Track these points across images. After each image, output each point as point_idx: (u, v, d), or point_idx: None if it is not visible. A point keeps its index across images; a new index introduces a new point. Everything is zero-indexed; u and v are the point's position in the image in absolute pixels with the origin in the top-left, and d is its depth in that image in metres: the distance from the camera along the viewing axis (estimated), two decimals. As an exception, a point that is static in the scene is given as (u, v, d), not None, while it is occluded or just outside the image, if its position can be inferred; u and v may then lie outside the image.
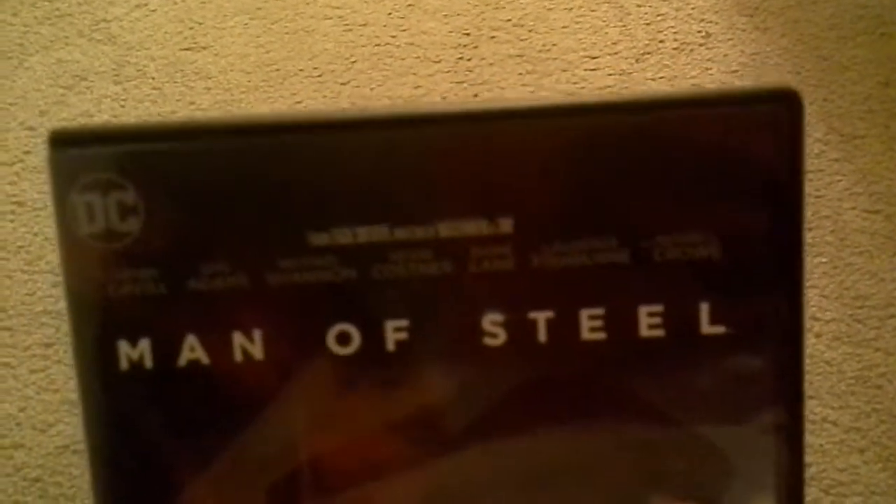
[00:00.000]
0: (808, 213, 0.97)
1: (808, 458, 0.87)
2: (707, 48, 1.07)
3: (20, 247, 0.97)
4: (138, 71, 1.07)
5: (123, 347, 0.23)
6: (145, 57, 1.08)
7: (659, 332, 0.23)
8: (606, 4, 1.10)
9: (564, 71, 1.05)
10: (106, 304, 0.23)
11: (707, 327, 0.23)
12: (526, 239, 0.23)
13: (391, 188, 0.23)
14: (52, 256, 0.96)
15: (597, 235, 0.23)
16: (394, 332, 0.23)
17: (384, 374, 0.23)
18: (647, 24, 1.08)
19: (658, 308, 0.23)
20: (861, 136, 1.01)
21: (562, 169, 0.23)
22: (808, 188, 0.98)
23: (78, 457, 0.87)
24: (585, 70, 1.05)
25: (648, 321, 0.23)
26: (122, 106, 1.04)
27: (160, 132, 0.23)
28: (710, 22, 1.09)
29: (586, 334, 0.23)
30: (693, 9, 1.09)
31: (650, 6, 1.10)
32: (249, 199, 0.23)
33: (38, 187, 1.00)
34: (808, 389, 0.90)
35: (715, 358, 0.23)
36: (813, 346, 0.91)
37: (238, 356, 0.23)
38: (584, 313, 0.23)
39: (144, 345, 0.23)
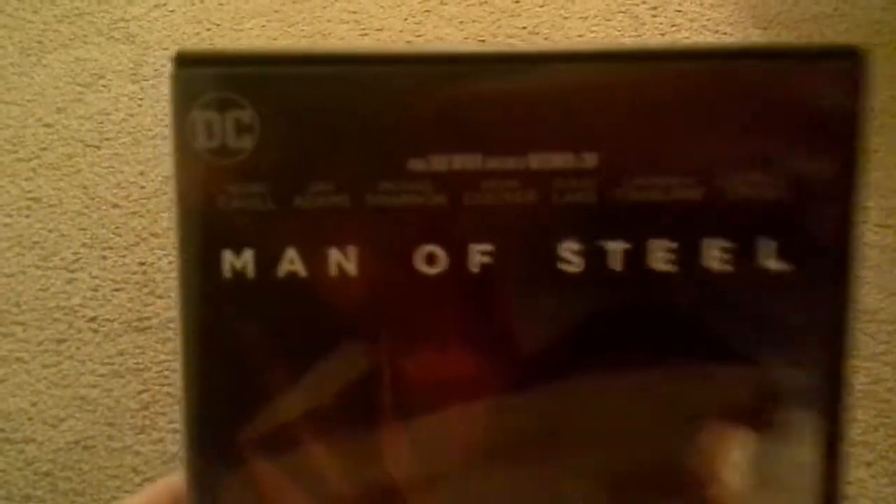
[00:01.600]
0: (820, 226, 0.97)
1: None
2: (721, 60, 1.07)
3: (35, 242, 0.97)
4: (155, 70, 1.08)
5: (228, 256, 0.24)
6: (163, 57, 1.08)
7: (728, 267, 0.25)
8: (621, 14, 1.10)
9: (579, 79, 1.05)
10: (215, 215, 0.24)
11: (773, 263, 0.25)
12: (609, 174, 0.24)
13: (486, 121, 0.24)
14: (67, 253, 0.97)
15: (674, 174, 0.24)
16: (479, 255, 0.24)
17: (467, 295, 0.24)
18: (662, 34, 1.09)
19: (728, 244, 0.25)
20: (874, 150, 1.01)
21: (645, 110, 0.24)
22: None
23: (88, 452, 0.87)
24: (599, 79, 1.05)
25: (719, 256, 0.25)
26: (139, 105, 1.05)
27: (277, 57, 0.25)
28: (725, 34, 1.09)
29: (659, 265, 0.25)
30: (707, 20, 1.09)
31: (665, 17, 1.10)
32: (356, 124, 0.24)
33: (53, 184, 1.00)
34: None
35: (779, 293, 0.25)
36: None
37: (333, 270, 0.24)
38: (657, 245, 0.25)
39: (248, 255, 0.24)
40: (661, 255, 0.24)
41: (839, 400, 0.24)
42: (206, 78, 0.23)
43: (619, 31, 1.08)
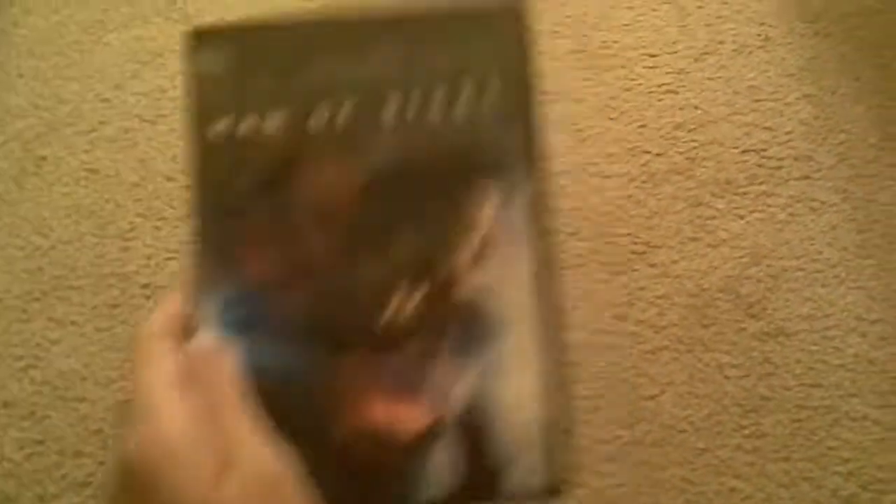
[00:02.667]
0: (860, 216, 0.97)
1: (846, 454, 0.87)
2: (766, 51, 1.08)
3: (92, 211, 1.00)
4: (211, 51, 1.10)
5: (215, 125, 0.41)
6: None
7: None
8: (667, 5, 1.11)
9: (623, 68, 1.06)
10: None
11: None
12: None
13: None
14: (123, 222, 1.00)
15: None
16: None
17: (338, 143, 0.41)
18: (707, 25, 1.09)
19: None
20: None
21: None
22: (861, 192, 0.98)
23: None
24: (644, 68, 1.06)
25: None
26: (194, 83, 1.07)
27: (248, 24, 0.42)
28: (770, 25, 1.09)
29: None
30: (753, 12, 1.10)
31: (710, 8, 1.11)
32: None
33: (110, 156, 1.03)
34: (851, 388, 0.90)
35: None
36: (857, 345, 0.91)
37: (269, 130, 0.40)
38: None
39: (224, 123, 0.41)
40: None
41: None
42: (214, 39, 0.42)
43: (664, 21, 1.09)
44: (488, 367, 0.38)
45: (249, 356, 0.38)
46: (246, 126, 0.40)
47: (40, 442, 0.89)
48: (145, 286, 0.96)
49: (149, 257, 0.97)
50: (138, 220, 0.99)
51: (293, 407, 0.38)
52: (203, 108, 0.40)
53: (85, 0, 1.14)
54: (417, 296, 0.38)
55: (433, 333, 0.39)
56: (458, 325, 0.39)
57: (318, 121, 0.40)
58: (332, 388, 0.38)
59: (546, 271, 0.39)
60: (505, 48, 0.41)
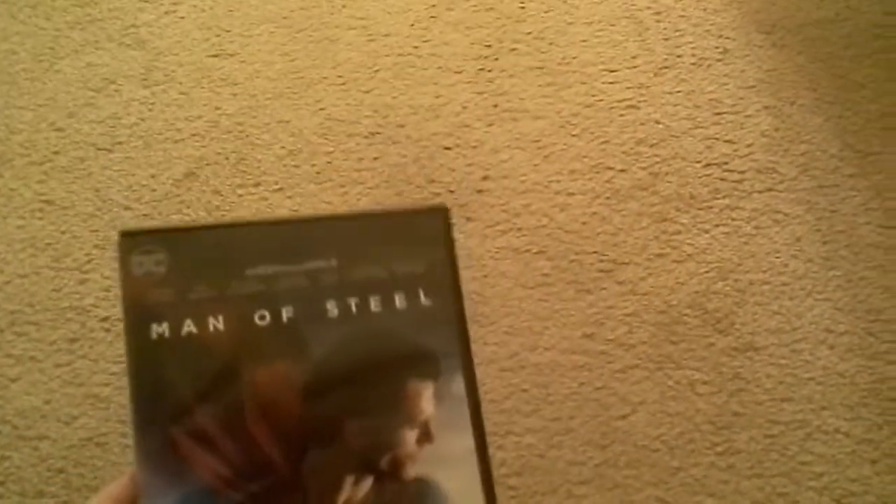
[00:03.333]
0: (824, 227, 0.97)
1: (819, 469, 0.87)
2: (724, 64, 1.07)
3: (48, 244, 0.97)
4: (166, 76, 1.08)
5: (154, 326, 0.40)
6: (173, 62, 1.09)
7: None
8: (626, 19, 1.10)
9: (583, 84, 1.06)
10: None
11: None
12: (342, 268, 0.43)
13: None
14: (79, 254, 0.97)
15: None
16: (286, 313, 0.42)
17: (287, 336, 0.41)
18: (666, 39, 1.09)
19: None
20: (876, 152, 1.01)
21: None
22: (824, 203, 0.98)
23: (101, 449, 0.87)
24: (604, 83, 1.06)
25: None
26: (150, 109, 1.05)
27: (181, 227, 0.42)
28: (728, 38, 1.09)
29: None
30: (711, 25, 1.10)
31: (669, 22, 1.10)
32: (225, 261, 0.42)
33: (65, 186, 1.00)
34: (821, 400, 0.89)
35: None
36: (826, 357, 0.91)
37: (211, 328, 0.40)
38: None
39: (165, 325, 0.40)
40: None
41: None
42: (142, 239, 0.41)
43: (622, 36, 1.09)
44: None
45: None
46: (188, 326, 0.40)
47: (0, 483, 0.86)
48: (104, 319, 0.93)
49: (107, 289, 0.94)
50: (95, 251, 0.97)
51: None
52: (141, 309, 0.40)
53: (35, 26, 1.11)
54: (368, 480, 0.40)
55: None
56: (410, 502, 0.41)
57: (261, 319, 0.41)
58: None
59: (484, 446, 0.42)
60: (432, 253, 0.44)
